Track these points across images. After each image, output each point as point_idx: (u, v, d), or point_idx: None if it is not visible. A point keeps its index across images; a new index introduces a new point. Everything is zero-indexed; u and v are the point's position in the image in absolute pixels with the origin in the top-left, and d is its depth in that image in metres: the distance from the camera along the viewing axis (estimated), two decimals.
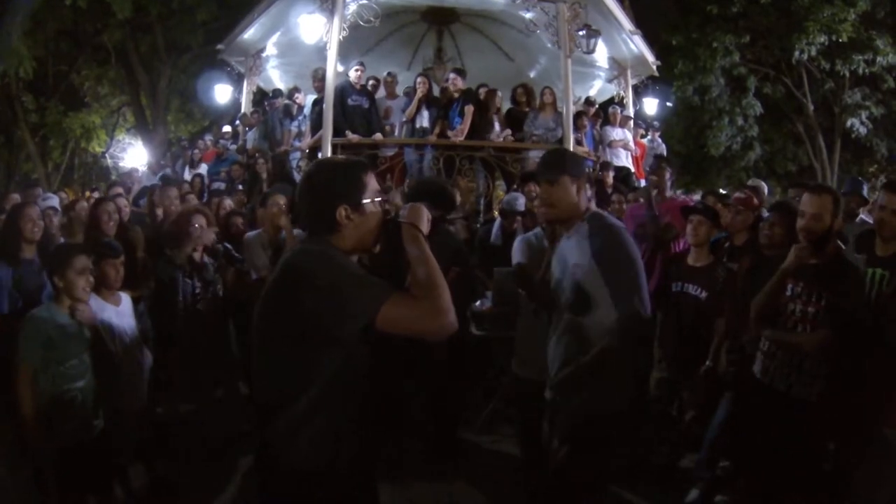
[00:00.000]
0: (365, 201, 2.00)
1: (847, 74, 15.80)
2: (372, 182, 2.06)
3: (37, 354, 2.95)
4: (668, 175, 5.06)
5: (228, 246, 4.54)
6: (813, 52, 15.18)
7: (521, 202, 5.71)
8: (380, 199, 2.06)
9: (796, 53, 15.33)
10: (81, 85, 19.15)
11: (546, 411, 2.93)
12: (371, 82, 8.70)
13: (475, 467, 4.40)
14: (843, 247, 3.64)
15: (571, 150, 8.07)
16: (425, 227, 1.98)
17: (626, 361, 2.62)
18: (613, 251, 2.62)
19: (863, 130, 16.38)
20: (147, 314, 4.64)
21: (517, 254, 3.94)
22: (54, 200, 6.42)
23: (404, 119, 8.41)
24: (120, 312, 3.64)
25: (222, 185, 8.76)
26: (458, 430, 4.66)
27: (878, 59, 14.92)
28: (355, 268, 1.96)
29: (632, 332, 2.57)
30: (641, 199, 5.42)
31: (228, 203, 6.31)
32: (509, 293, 4.79)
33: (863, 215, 5.48)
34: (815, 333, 3.04)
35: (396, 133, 8.51)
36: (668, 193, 5.08)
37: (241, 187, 8.39)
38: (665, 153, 10.36)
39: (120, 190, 7.64)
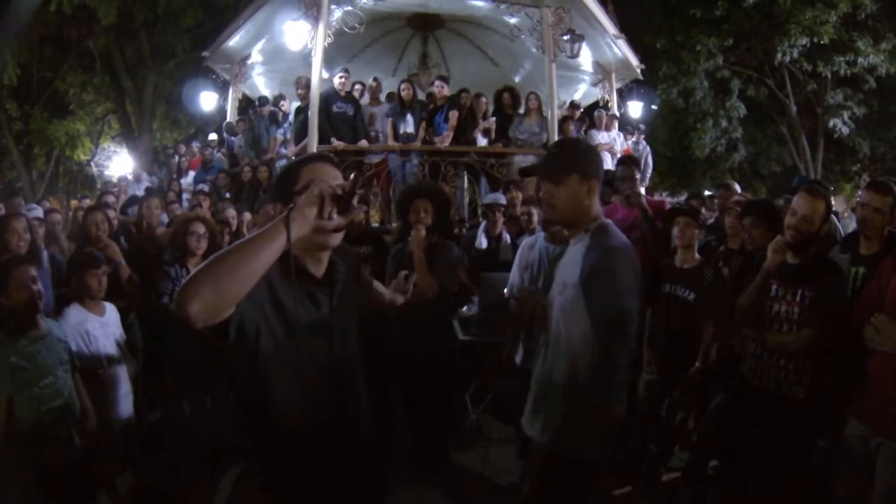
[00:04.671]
0: (296, 192, 1.74)
1: (829, 75, 16.02)
2: (311, 173, 1.80)
3: (7, 381, 2.84)
4: (637, 176, 5.08)
5: None
6: (795, 54, 15.35)
7: (502, 199, 5.82)
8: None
9: (779, 55, 15.49)
10: (66, 92, 18.99)
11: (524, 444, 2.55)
12: (357, 87, 8.69)
13: (462, 474, 4.39)
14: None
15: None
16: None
17: (598, 410, 2.24)
18: (601, 280, 2.18)
19: (845, 130, 16.59)
20: (137, 324, 4.62)
21: (515, 259, 4.15)
22: (38, 211, 6.35)
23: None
24: (104, 323, 3.61)
25: (206, 189, 8.72)
26: (446, 436, 4.63)
27: (860, 59, 15.11)
28: None
29: (603, 384, 2.21)
30: (614, 200, 5.44)
31: (231, 212, 6.07)
32: (496, 298, 4.82)
33: None
34: (799, 333, 3.06)
35: (381, 140, 8.49)
36: (642, 192, 5.13)
37: (227, 195, 8.35)
38: (650, 156, 10.41)
39: (112, 199, 7.59)
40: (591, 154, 2.42)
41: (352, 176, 1.70)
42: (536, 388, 2.44)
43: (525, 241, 4.27)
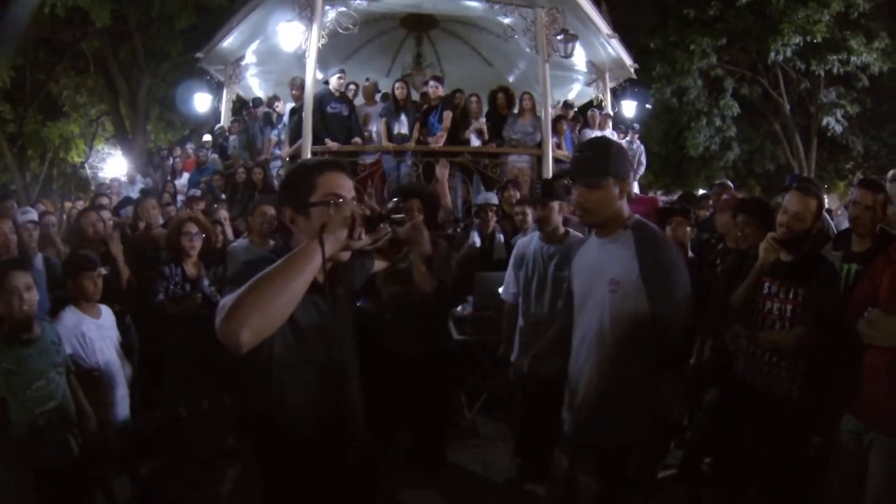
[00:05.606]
0: (313, 203, 1.78)
1: (822, 74, 16.08)
2: (328, 183, 1.81)
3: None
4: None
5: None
6: (788, 53, 15.41)
7: (494, 198, 5.85)
8: (335, 200, 1.76)
9: (772, 54, 15.56)
10: (60, 94, 18.91)
11: (562, 441, 2.57)
12: (351, 87, 8.69)
13: (458, 473, 4.39)
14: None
15: (551, 152, 8.13)
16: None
17: (654, 391, 2.28)
18: (667, 273, 2.27)
19: (838, 128, 16.68)
20: (133, 326, 4.61)
21: (511, 259, 4.21)
22: (32, 214, 6.33)
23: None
24: (100, 325, 3.61)
25: (198, 194, 8.69)
26: (444, 435, 4.64)
27: (852, 58, 15.19)
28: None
29: (671, 367, 2.29)
30: None
31: (223, 213, 5.96)
32: (490, 297, 4.85)
33: None
34: (792, 330, 3.07)
35: (375, 140, 8.48)
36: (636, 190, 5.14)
37: (223, 197, 8.33)
38: (644, 154, 10.45)
39: (105, 201, 7.57)
40: (623, 154, 2.44)
41: (393, 201, 1.82)
42: (588, 393, 2.42)
43: (520, 241, 4.30)
